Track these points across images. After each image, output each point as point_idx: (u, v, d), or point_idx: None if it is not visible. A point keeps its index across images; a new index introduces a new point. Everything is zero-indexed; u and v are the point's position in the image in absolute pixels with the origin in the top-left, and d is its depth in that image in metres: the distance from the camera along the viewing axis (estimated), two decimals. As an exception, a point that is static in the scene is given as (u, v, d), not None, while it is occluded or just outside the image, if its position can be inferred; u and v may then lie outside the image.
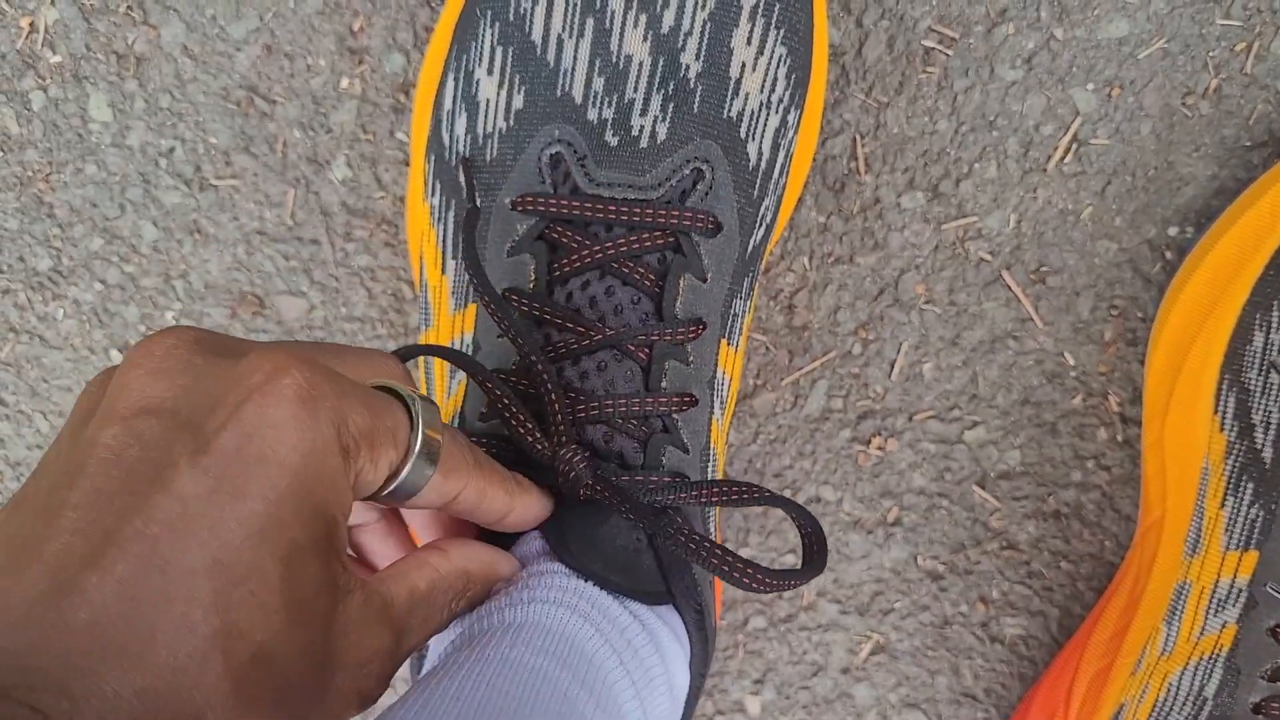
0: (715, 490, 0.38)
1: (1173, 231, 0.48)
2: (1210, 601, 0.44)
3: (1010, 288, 0.49)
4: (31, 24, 0.49)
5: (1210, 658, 0.43)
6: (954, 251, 0.48)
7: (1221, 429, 0.43)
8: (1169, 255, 0.48)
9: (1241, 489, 0.43)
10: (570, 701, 0.32)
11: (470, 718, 0.30)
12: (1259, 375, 0.43)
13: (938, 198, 0.48)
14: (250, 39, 0.48)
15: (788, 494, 0.52)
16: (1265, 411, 0.42)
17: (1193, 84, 0.46)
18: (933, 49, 0.46)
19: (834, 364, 0.50)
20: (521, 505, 0.36)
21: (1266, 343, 0.42)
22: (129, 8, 0.48)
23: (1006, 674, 0.53)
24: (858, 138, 0.48)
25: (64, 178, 0.50)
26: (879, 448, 0.51)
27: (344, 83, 0.49)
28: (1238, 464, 0.43)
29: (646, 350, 0.40)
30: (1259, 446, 0.42)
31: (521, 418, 0.37)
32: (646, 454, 0.39)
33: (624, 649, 0.36)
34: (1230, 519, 0.43)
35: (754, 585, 0.38)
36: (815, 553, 0.38)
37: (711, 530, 0.42)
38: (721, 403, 0.43)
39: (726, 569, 0.37)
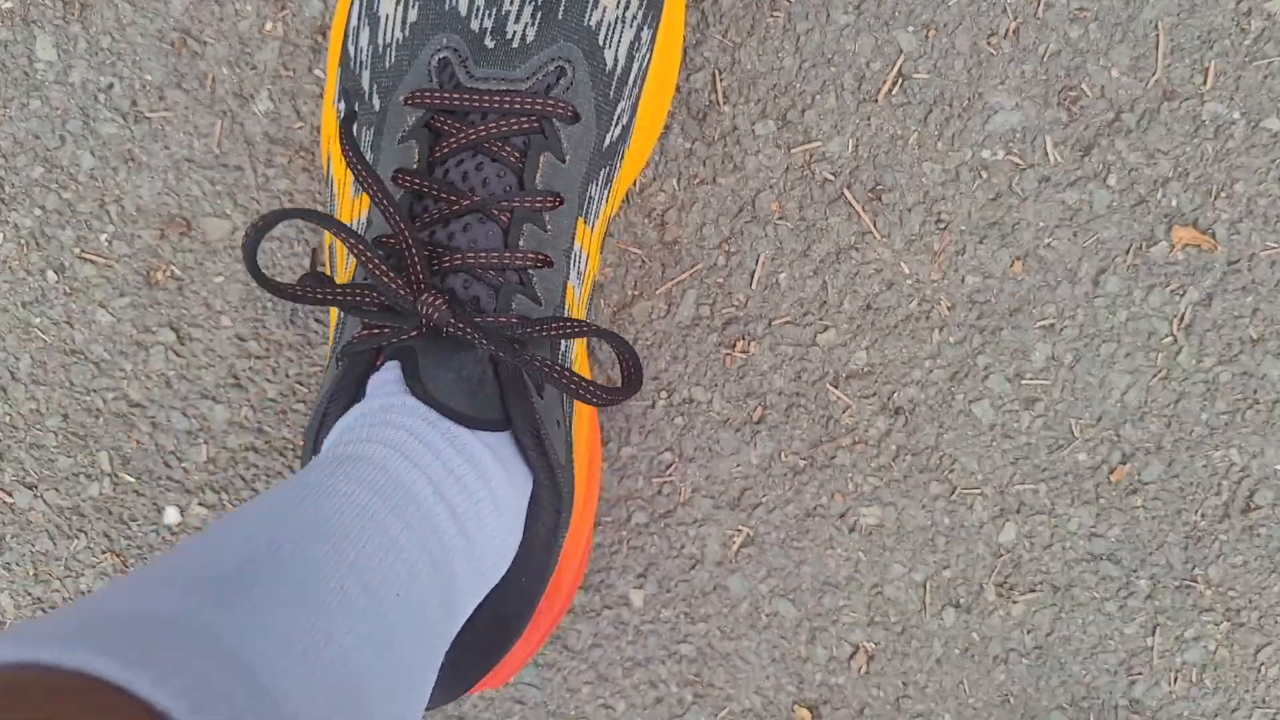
0: (554, 324, 0.43)
1: (985, 154, 0.54)
2: None
3: (851, 204, 0.55)
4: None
5: None
6: (802, 173, 0.54)
7: None
8: (984, 175, 0.54)
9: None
10: (378, 523, 0.36)
11: (276, 532, 0.34)
12: None
13: (786, 125, 0.54)
14: (184, -15, 0.53)
15: (664, 395, 0.56)
16: None
17: (995, 26, 0.53)
18: (777, -5, 0.53)
19: (701, 275, 0.55)
20: None
21: None
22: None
23: (864, 562, 0.58)
24: (716, 73, 0.54)
25: (9, 112, 0.54)
26: (743, 351, 0.56)
27: (268, 25, 0.54)
28: None
29: (508, 215, 0.44)
30: None
31: (385, 267, 0.41)
32: (499, 299, 0.43)
33: (444, 478, 0.40)
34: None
35: (590, 397, 0.42)
36: (632, 376, 0.44)
37: (569, 361, 0.48)
38: (579, 274, 0.48)
39: (567, 382, 0.42)
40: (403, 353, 0.42)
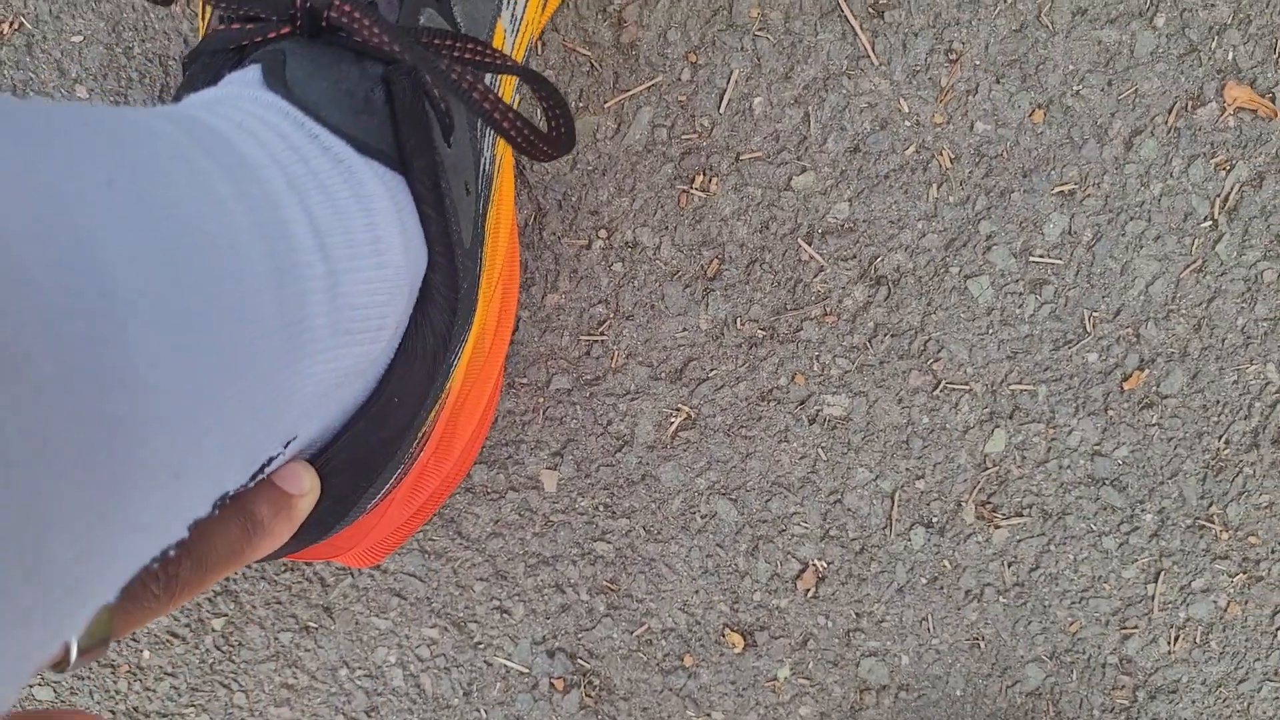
0: (472, 45, 0.31)
1: (1013, -27, 0.43)
2: None
3: (848, 19, 0.44)
4: None
5: None
6: (792, -24, 0.43)
7: None
8: None
9: None
10: (198, 171, 0.24)
11: (74, 148, 0.21)
12: None
13: (779, -86, 0.43)
14: None
15: (602, 234, 0.45)
16: None
17: None
18: None
19: (661, 89, 0.44)
20: (269, 542, 0.29)
21: None
22: None
23: (824, 462, 0.46)
24: None
25: None
26: (702, 188, 0.45)
27: None
28: None
29: None
30: None
31: None
32: (403, 9, 0.32)
33: (306, 181, 0.27)
34: None
35: (513, 133, 0.30)
36: (563, 131, 0.32)
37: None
38: (514, 19, 0.35)
39: (489, 108, 0.30)
40: (270, 55, 0.30)
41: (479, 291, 0.35)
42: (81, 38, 0.43)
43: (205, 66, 0.30)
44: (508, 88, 0.36)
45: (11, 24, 0.43)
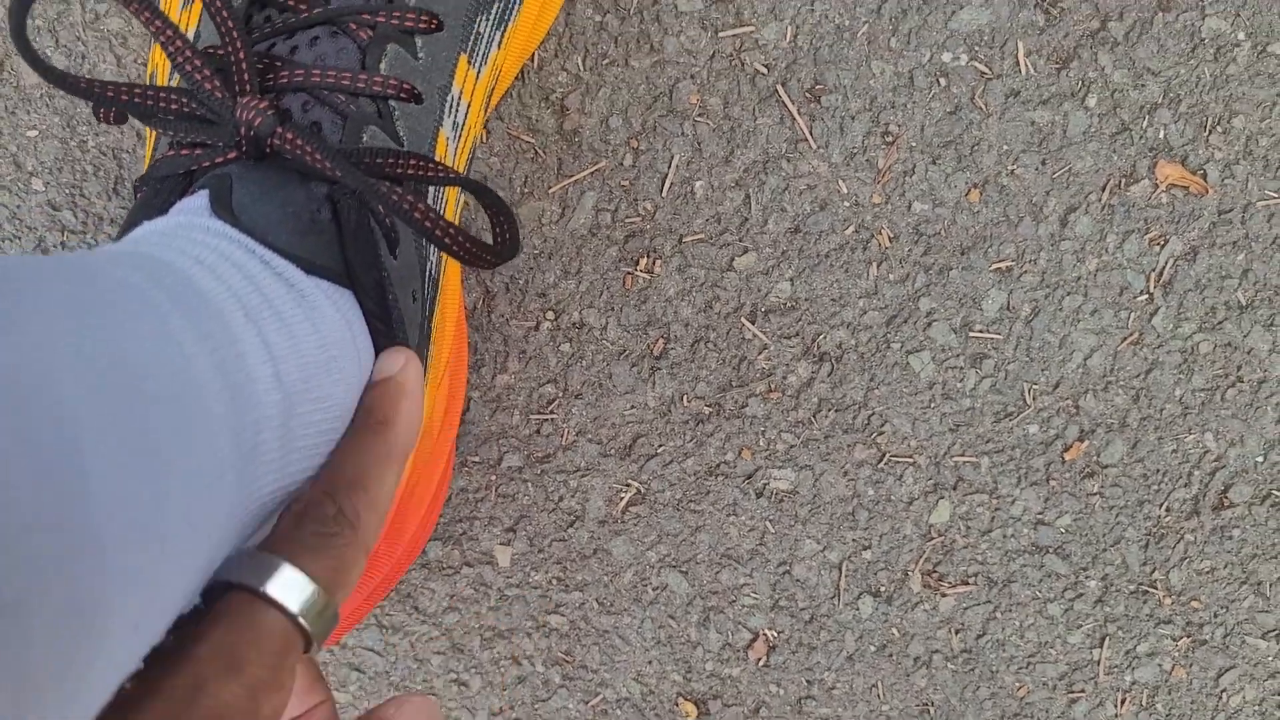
0: (415, 162, 0.31)
1: (945, 57, 0.43)
2: None
3: (785, 104, 0.43)
4: None
5: None
6: (730, 63, 0.43)
7: None
8: (942, 82, 0.44)
9: None
10: (158, 314, 0.24)
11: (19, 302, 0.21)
12: None
13: (716, 2, 0.43)
14: None
15: (550, 315, 0.45)
16: None
17: (968, -95, 0.43)
18: None
19: (604, 174, 0.44)
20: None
21: None
22: None
23: (772, 534, 0.46)
24: (638, -67, 0.43)
25: None
26: (646, 270, 0.45)
27: None
28: None
29: (369, 31, 0.33)
30: None
31: (199, 64, 0.30)
32: (346, 130, 0.32)
33: (260, 309, 0.27)
34: None
35: (455, 248, 0.30)
36: (508, 239, 0.32)
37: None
38: (455, 125, 0.36)
39: (430, 226, 0.30)
40: (217, 181, 0.30)
41: (424, 386, 0.35)
42: (36, 132, 0.43)
43: (156, 192, 0.30)
44: (453, 194, 0.36)
45: (-32, 119, 0.43)
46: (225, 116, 0.29)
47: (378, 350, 0.31)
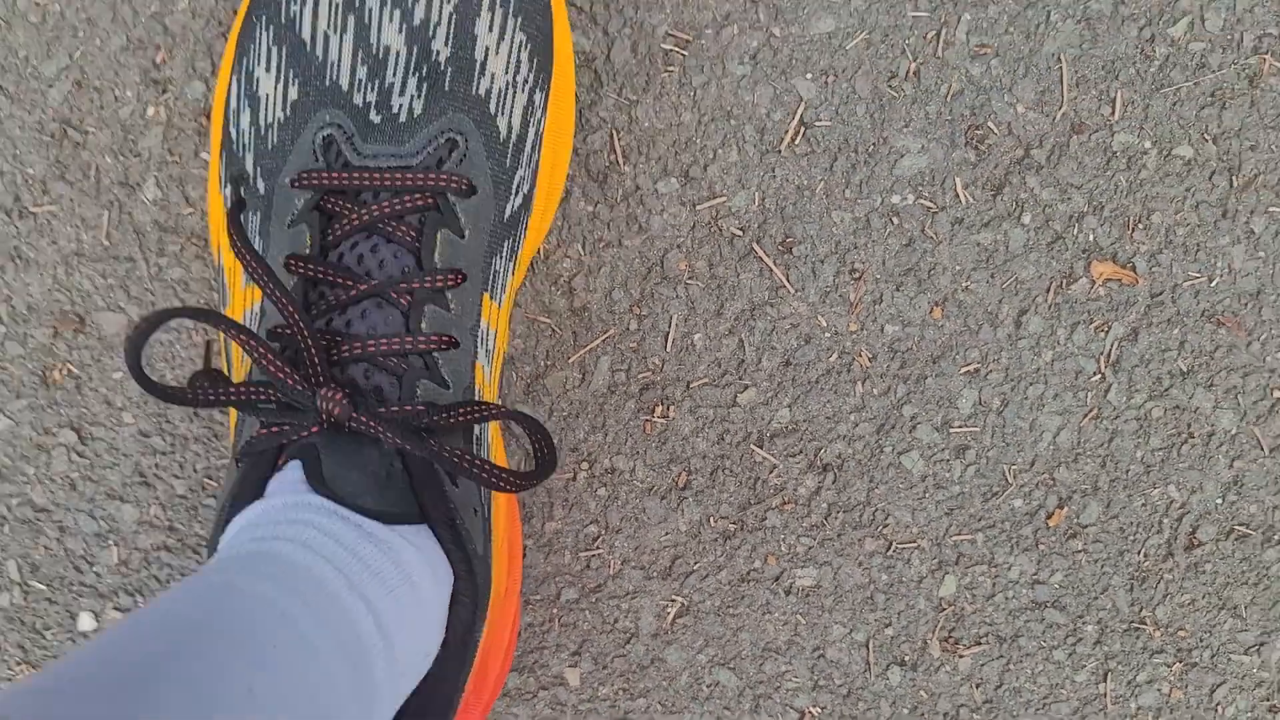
0: (462, 411, 0.37)
1: (895, 199, 0.49)
2: None
3: (762, 259, 0.49)
4: None
5: None
6: (709, 230, 0.49)
7: None
8: (895, 221, 0.49)
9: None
10: (289, 620, 0.30)
11: (176, 633, 0.28)
12: None
13: (690, 182, 0.49)
14: (61, 76, 0.48)
15: (584, 466, 0.50)
16: None
17: (895, 68, 0.48)
18: (671, 50, 0.48)
19: (614, 340, 0.50)
20: None
21: None
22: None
23: (804, 625, 0.52)
24: (614, 132, 0.48)
25: (-109, 216, 0.49)
26: (662, 416, 0.50)
27: (150, 111, 0.48)
28: None
29: (408, 297, 0.38)
30: None
31: (279, 362, 0.36)
32: (403, 387, 0.37)
33: (360, 573, 0.33)
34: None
35: (502, 484, 0.36)
36: (545, 457, 0.38)
37: (484, 448, 0.41)
38: (487, 352, 0.42)
39: (478, 471, 0.36)
40: (305, 450, 0.35)
41: (491, 569, 0.41)
42: (120, 374, 0.49)
43: (254, 464, 0.36)
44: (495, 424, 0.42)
45: (60, 370, 0.49)
46: (307, 405, 0.35)
47: (452, 563, 0.37)
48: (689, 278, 0.48)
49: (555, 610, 0.50)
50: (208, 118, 0.47)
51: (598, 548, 0.49)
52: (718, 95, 0.46)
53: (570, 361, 0.48)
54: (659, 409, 0.48)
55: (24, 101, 0.47)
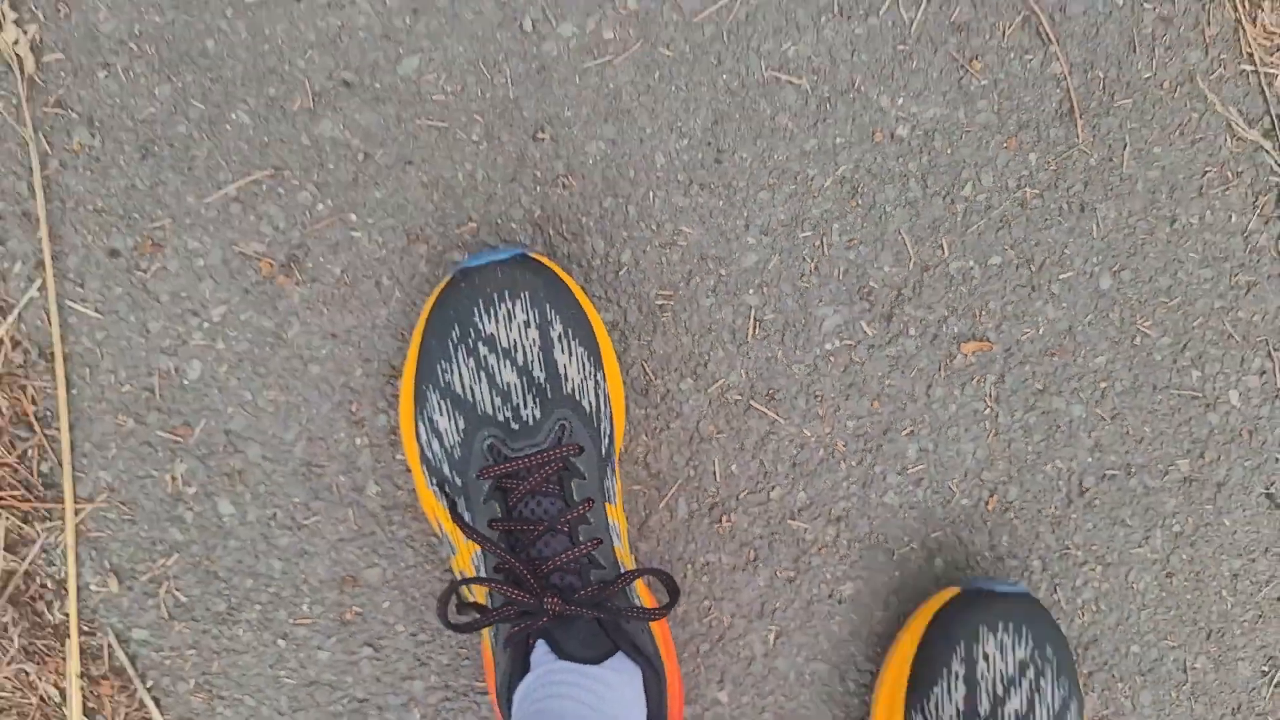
0: (618, 581, 0.63)
1: (828, 346, 0.75)
2: None
3: (758, 409, 0.76)
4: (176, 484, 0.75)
5: None
6: (720, 401, 0.75)
7: None
8: (831, 358, 0.75)
9: None
10: None
11: None
12: None
13: (699, 378, 0.75)
14: (299, 437, 0.74)
15: (689, 567, 0.77)
16: None
17: (802, 269, 0.75)
18: (662, 304, 0.74)
19: (683, 486, 0.76)
20: None
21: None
22: (226, 448, 0.75)
23: (855, 620, 0.78)
24: (643, 362, 0.74)
25: (216, 553, 0.76)
26: (727, 521, 0.77)
27: (358, 441, 0.74)
28: None
29: (567, 525, 0.65)
30: None
31: (518, 592, 0.62)
32: (582, 578, 0.63)
33: (594, 699, 0.58)
34: None
35: (651, 617, 0.62)
36: (673, 592, 0.64)
37: (636, 602, 0.68)
38: (617, 535, 0.68)
39: (636, 615, 0.62)
40: (543, 632, 0.62)
41: (663, 663, 0.68)
42: (388, 602, 0.76)
43: (517, 648, 0.63)
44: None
45: (349, 612, 0.76)
46: (538, 610, 0.62)
47: (641, 668, 0.63)
48: (717, 434, 0.74)
49: (699, 660, 0.77)
50: (395, 433, 0.73)
51: (712, 613, 0.76)
52: (699, 320, 0.73)
53: (660, 507, 0.75)
54: (724, 518, 0.75)
55: (279, 459, 0.73)
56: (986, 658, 0.67)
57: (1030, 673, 0.67)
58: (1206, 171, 0.73)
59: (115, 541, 0.73)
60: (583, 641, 0.61)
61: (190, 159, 0.70)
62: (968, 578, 0.73)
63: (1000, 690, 0.67)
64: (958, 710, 0.67)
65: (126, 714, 0.74)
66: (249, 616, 0.74)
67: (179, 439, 0.72)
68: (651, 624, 0.67)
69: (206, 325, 0.71)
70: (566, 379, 0.66)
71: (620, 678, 0.62)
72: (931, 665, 0.68)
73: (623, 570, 0.66)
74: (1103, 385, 0.75)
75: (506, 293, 0.66)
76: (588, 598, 0.61)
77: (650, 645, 0.65)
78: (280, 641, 0.75)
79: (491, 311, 0.66)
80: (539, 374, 0.66)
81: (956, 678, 0.67)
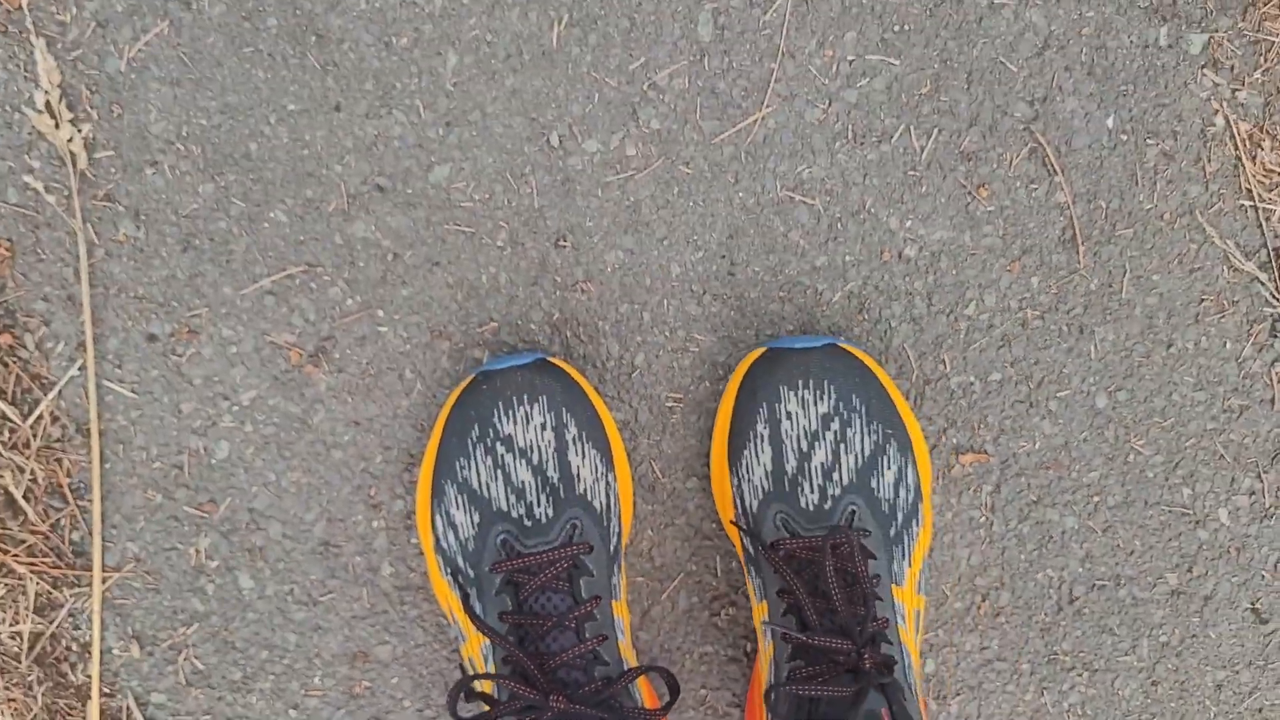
0: (621, 679, 0.66)
1: (830, 452, 0.78)
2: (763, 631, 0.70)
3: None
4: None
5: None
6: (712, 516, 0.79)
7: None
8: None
9: (749, 566, 0.70)
10: None
11: None
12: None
13: (705, 479, 0.78)
14: (319, 518, 0.77)
15: (688, 658, 0.80)
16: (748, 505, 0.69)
17: (808, 379, 0.78)
18: (671, 405, 0.77)
19: (684, 580, 0.79)
20: None
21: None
22: (249, 525, 0.78)
23: (847, 713, 0.81)
24: (652, 461, 0.77)
25: (233, 625, 0.79)
26: (726, 613, 0.79)
27: (374, 523, 0.78)
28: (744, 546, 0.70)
29: (574, 621, 0.68)
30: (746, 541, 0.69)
31: (525, 688, 0.65)
32: (586, 673, 0.66)
33: None
34: (752, 585, 0.70)
35: (653, 718, 0.66)
36: (673, 690, 0.66)
37: (637, 697, 0.71)
38: (621, 632, 0.71)
39: (640, 716, 0.65)
40: None
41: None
42: (396, 679, 0.78)
43: None
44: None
45: (359, 685, 0.79)
46: (544, 705, 0.64)
47: None
48: (719, 533, 0.77)
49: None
50: (410, 517, 0.76)
51: (708, 702, 0.79)
52: (706, 423, 0.76)
53: (663, 599, 0.77)
54: (723, 611, 0.78)
55: (298, 538, 0.77)
56: (790, 416, 0.68)
57: (835, 425, 0.68)
58: (1203, 300, 0.75)
59: (139, 609, 0.76)
60: None
61: (229, 253, 0.73)
62: (774, 338, 0.72)
63: (805, 446, 0.68)
64: (766, 471, 0.69)
65: (142, 776, 0.77)
66: (263, 686, 0.77)
67: (204, 515, 0.75)
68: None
69: (236, 409, 0.74)
70: (579, 479, 0.69)
71: None
72: (740, 429, 0.70)
73: (626, 666, 0.68)
74: (1095, 499, 0.77)
75: (525, 396, 0.69)
76: (592, 694, 0.64)
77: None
78: (292, 711, 0.77)
79: (510, 413, 0.69)
80: (553, 474, 0.68)
81: (762, 439, 0.69)
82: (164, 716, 0.77)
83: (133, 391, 0.74)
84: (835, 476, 0.68)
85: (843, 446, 0.68)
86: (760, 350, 0.69)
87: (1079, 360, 0.76)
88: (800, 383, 0.68)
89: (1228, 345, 0.76)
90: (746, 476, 0.69)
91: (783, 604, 0.67)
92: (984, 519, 0.77)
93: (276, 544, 0.76)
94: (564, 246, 0.74)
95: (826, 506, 0.67)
